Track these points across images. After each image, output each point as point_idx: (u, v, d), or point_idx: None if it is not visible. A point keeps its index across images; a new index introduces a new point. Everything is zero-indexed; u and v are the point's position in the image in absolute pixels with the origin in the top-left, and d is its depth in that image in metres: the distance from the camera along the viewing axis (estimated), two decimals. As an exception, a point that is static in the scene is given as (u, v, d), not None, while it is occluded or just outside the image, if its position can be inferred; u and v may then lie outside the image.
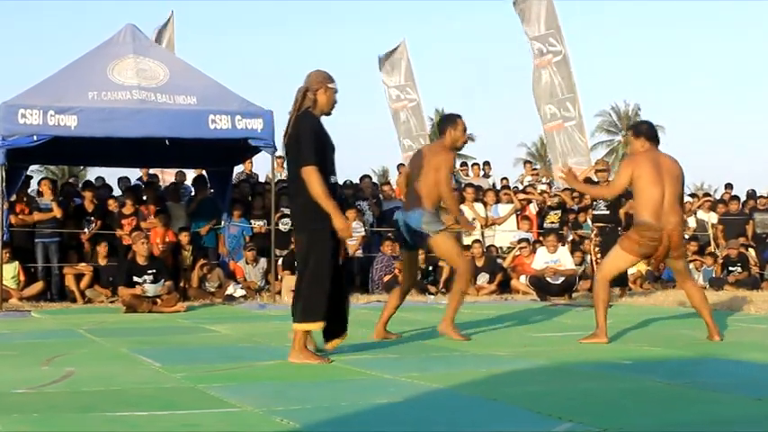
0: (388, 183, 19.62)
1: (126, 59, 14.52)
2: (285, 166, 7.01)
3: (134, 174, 19.37)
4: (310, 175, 6.79)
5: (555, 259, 15.15)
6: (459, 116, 8.92)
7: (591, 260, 15.45)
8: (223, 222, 16.43)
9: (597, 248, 15.09)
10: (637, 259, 8.84)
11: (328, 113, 7.17)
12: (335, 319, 7.12)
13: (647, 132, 8.45)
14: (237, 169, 18.42)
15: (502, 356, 7.45)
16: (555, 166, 22.02)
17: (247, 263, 15.55)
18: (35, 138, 13.52)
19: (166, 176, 20.64)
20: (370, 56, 77.48)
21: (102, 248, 15.23)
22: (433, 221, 8.68)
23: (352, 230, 16.04)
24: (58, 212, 15.31)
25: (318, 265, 6.88)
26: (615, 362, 7.02)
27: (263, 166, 19.17)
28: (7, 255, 14.22)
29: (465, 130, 8.99)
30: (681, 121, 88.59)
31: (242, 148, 15.24)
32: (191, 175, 19.06)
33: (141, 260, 13.05)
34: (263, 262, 15.75)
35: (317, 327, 7.04)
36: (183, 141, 14.60)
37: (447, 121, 8.97)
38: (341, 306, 7.18)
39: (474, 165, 22.34)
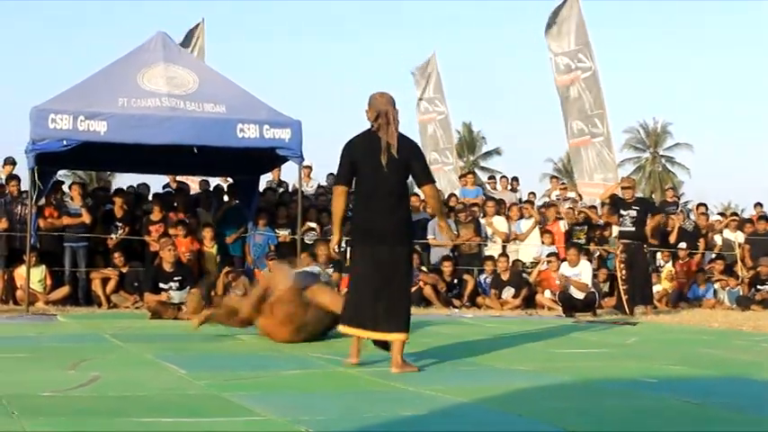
0: (415, 194, 19.58)
1: (156, 67, 14.61)
2: (364, 179, 7.17)
3: (159, 180, 19.43)
4: (436, 191, 7.45)
5: (576, 273, 15.10)
6: None
7: (617, 276, 15.40)
8: (249, 231, 16.47)
9: (623, 265, 15.04)
10: None
11: None
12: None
13: None
14: (265, 178, 18.46)
15: (526, 371, 7.44)
16: (580, 182, 21.94)
17: (270, 272, 15.57)
18: (65, 142, 13.62)
19: (197, 185, 20.69)
20: (398, 68, 77.78)
21: (118, 257, 15.27)
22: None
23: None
24: (86, 218, 15.39)
25: (411, 278, 7.45)
26: (640, 380, 6.98)
27: (290, 176, 19.29)
28: (35, 258, 14.31)
29: None
30: (709, 139, 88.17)
31: (269, 158, 15.28)
32: (213, 183, 19.16)
33: (167, 267, 13.10)
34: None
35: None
36: (211, 149, 14.65)
37: None
38: None
39: (502, 178, 22.29)
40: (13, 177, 16.28)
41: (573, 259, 15.26)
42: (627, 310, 14.80)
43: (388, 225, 7.31)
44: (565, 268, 15.37)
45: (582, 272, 15.10)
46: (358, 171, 7.35)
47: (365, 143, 7.38)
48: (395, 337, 7.26)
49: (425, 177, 7.48)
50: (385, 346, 7.49)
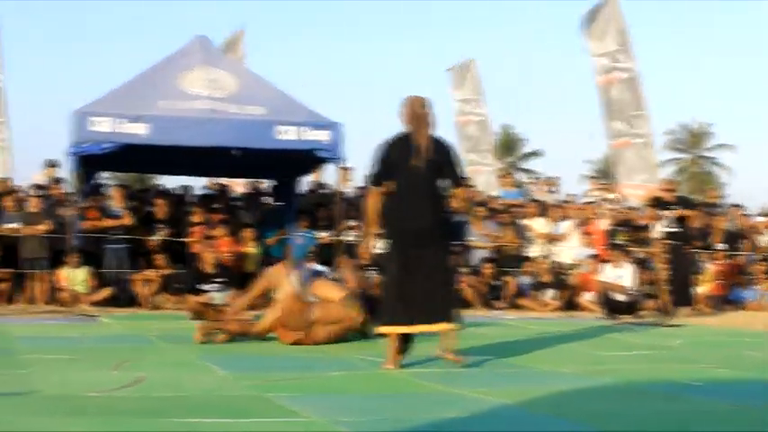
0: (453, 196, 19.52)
1: (196, 69, 14.66)
2: (409, 180, 7.31)
3: (198, 182, 19.50)
4: (467, 193, 7.90)
5: (618, 275, 14.99)
6: None
7: (659, 278, 15.27)
8: (289, 232, 16.49)
9: (665, 266, 14.92)
10: None
11: None
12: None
13: None
14: (306, 179, 18.48)
15: (568, 374, 7.40)
16: (621, 183, 21.81)
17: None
18: (105, 145, 13.70)
19: (237, 187, 20.76)
20: (436, 69, 77.53)
21: (160, 259, 15.36)
22: None
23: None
24: (128, 219, 15.48)
25: (453, 273, 7.86)
26: (684, 383, 6.93)
27: (332, 177, 19.37)
28: (77, 260, 14.42)
29: None
30: (752, 140, 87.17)
31: (310, 159, 15.31)
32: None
33: (209, 268, 13.15)
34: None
35: None
36: (251, 151, 14.69)
37: None
38: None
39: (541, 178, 22.20)
40: (58, 180, 16.43)
41: (615, 261, 15.15)
42: (669, 311, 14.68)
43: (423, 225, 7.44)
44: (607, 270, 15.26)
45: (624, 274, 14.99)
46: (393, 172, 7.48)
47: (400, 145, 7.52)
48: (447, 327, 7.48)
49: (456, 179, 7.68)
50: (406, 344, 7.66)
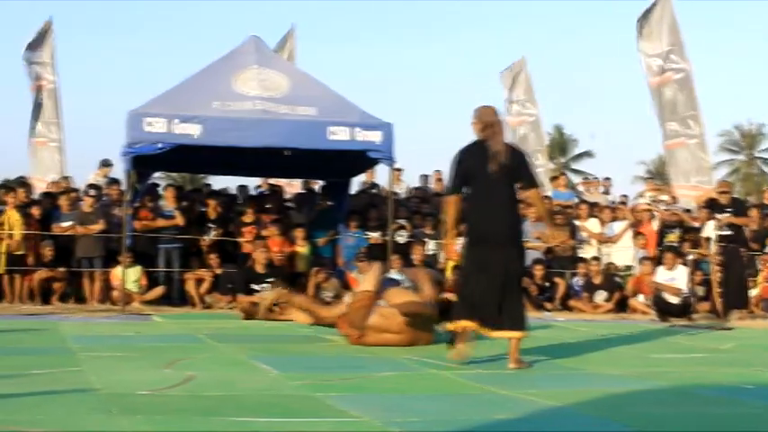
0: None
1: (249, 70, 14.74)
2: (476, 184, 7.77)
3: (250, 182, 19.58)
4: (541, 196, 8.40)
5: (672, 277, 14.85)
6: None
7: (713, 280, 15.12)
8: (340, 233, 16.54)
9: (718, 268, 14.78)
10: None
11: None
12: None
13: None
14: (357, 180, 18.53)
15: (620, 376, 7.35)
16: (676, 184, 21.61)
17: (360, 273, 15.55)
18: (160, 145, 13.83)
19: (289, 187, 20.85)
20: (489, 70, 77.30)
21: (212, 258, 15.45)
22: None
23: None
24: (180, 220, 15.61)
25: (522, 278, 8.13)
26: (737, 386, 6.86)
27: (382, 178, 19.34)
28: (130, 259, 14.56)
29: None
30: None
31: (361, 160, 15.34)
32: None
33: (260, 268, 13.22)
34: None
35: None
36: (303, 152, 14.74)
37: None
38: None
39: (594, 179, 22.03)
40: (113, 181, 16.59)
41: (669, 263, 15.01)
42: (722, 314, 14.54)
43: (499, 229, 7.74)
44: (661, 272, 15.13)
45: (677, 276, 14.85)
46: (470, 179, 7.80)
47: (476, 152, 7.84)
48: (516, 335, 7.70)
49: (531, 183, 7.96)
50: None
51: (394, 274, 9.54)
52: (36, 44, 22.55)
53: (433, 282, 9.87)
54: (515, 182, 7.84)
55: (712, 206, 15.41)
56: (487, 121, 7.88)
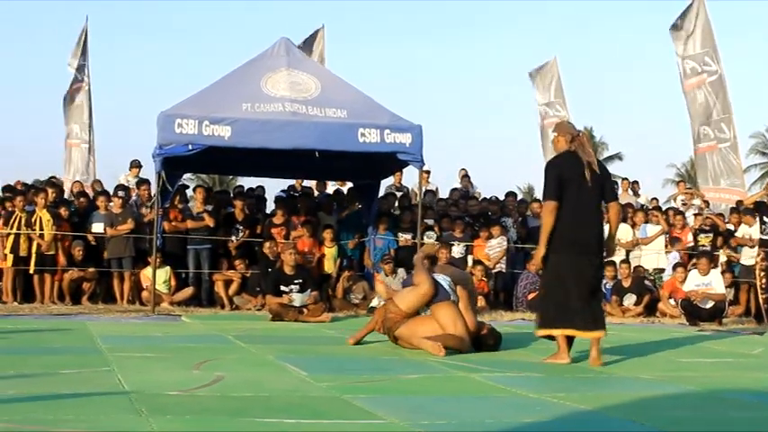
0: (538, 200, 19.43)
1: (279, 72, 14.78)
2: (579, 195, 8.16)
3: (277, 184, 19.61)
4: (620, 210, 8.93)
5: (706, 282, 14.76)
6: None
7: (757, 285, 15.03)
8: (369, 234, 16.54)
9: (763, 273, 14.69)
10: None
11: None
12: None
13: None
14: (385, 182, 18.53)
15: (649, 380, 7.31)
16: (705, 187, 21.51)
17: (386, 275, 15.55)
18: (190, 147, 13.88)
19: (318, 188, 20.88)
20: (517, 71, 77.28)
21: (239, 263, 15.49)
22: None
23: (495, 245, 16.14)
24: (209, 221, 15.66)
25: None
26: (764, 391, 6.82)
27: (408, 180, 19.33)
28: (160, 260, 14.63)
29: None
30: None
31: (390, 162, 15.33)
32: (333, 187, 19.32)
33: (289, 270, 13.23)
34: (401, 273, 15.64)
35: None
36: (333, 154, 14.76)
37: None
38: None
39: (624, 180, 21.96)
40: (144, 182, 16.67)
41: (704, 268, 14.91)
42: (765, 318, 14.48)
43: (591, 236, 8.22)
44: (694, 277, 15.03)
45: (713, 281, 14.76)
46: (566, 187, 8.11)
47: (570, 162, 8.20)
48: (601, 334, 8.19)
49: (614, 196, 8.59)
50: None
51: (442, 278, 9.36)
52: (75, 47, 22.84)
53: (471, 290, 9.86)
54: (602, 192, 8.30)
55: (759, 209, 15.29)
56: (573, 133, 8.33)
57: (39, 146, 72.14)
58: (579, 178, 8.09)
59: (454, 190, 19.67)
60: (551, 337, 8.33)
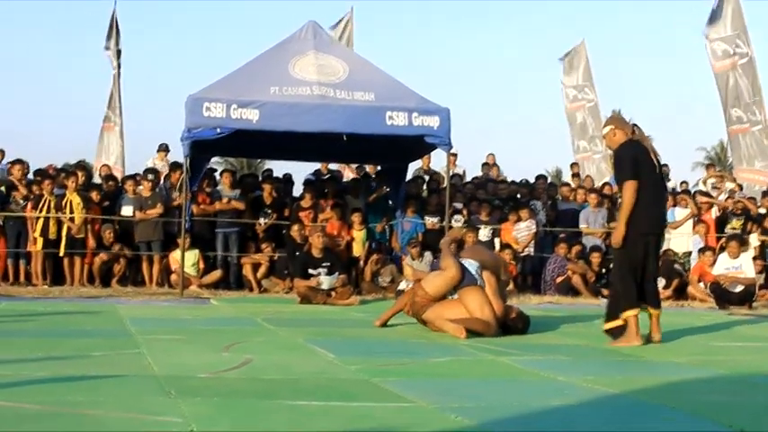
0: (567, 184, 19.35)
1: (307, 56, 14.76)
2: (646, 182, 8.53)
3: (304, 167, 19.60)
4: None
5: (736, 265, 14.66)
6: None
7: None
8: (397, 218, 16.53)
9: None
10: None
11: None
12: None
13: None
14: (413, 165, 18.49)
15: (680, 364, 7.27)
16: (739, 168, 21.35)
17: (413, 259, 15.53)
18: (218, 130, 13.89)
19: (348, 172, 20.89)
20: (545, 54, 76.86)
21: (266, 246, 15.51)
22: None
23: (524, 229, 16.09)
24: (238, 204, 15.69)
25: None
26: (800, 375, 6.77)
27: (436, 164, 19.29)
28: (188, 243, 14.67)
29: None
30: None
31: (417, 145, 15.30)
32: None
33: (317, 253, 13.25)
34: (428, 256, 15.62)
35: None
36: (360, 137, 14.74)
37: None
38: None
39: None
40: (170, 165, 16.71)
41: (734, 252, 14.81)
42: None
43: (662, 219, 9.03)
44: (724, 260, 14.93)
45: (743, 264, 14.66)
46: (641, 172, 8.44)
47: (639, 147, 8.59)
48: (660, 312, 8.68)
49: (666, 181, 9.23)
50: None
51: (468, 263, 9.31)
52: (109, 31, 22.97)
53: (503, 269, 9.80)
54: (662, 177, 8.94)
55: None
56: (629, 124, 8.85)
57: (71, 130, 72.38)
58: (649, 162, 8.49)
59: (475, 177, 19.64)
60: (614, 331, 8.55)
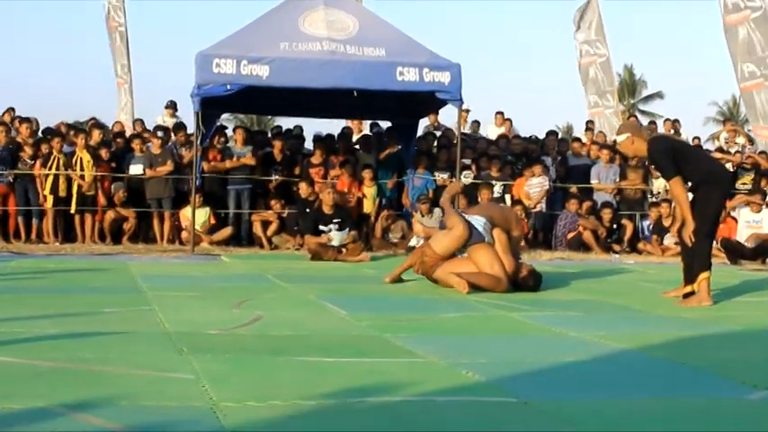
0: (578, 139, 19.26)
1: (317, 11, 14.66)
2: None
3: (315, 124, 19.58)
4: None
5: (757, 219, 14.60)
6: None
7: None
8: (407, 174, 16.48)
9: None
10: None
11: None
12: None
13: None
14: (423, 122, 18.42)
15: (690, 319, 7.25)
16: (754, 125, 21.18)
17: (422, 215, 15.47)
18: (228, 87, 13.85)
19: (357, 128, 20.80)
20: (555, 10, 76.18)
21: (275, 203, 15.48)
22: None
23: (536, 184, 16.05)
24: (250, 160, 15.65)
25: None
26: (812, 330, 6.76)
27: (445, 119, 19.21)
28: (199, 200, 14.65)
29: None
30: None
31: (428, 101, 15.24)
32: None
33: (327, 209, 13.23)
34: (437, 212, 15.54)
35: None
36: (371, 93, 14.68)
37: None
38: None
39: (666, 121, 21.70)
40: (181, 126, 16.63)
41: (756, 207, 14.77)
42: None
43: (728, 173, 9.52)
44: (745, 214, 14.87)
45: (763, 218, 14.61)
46: (677, 150, 8.47)
47: (663, 138, 9.46)
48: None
49: None
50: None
51: (476, 219, 9.25)
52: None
53: (515, 224, 9.69)
54: None
55: None
56: (644, 128, 9.20)
57: (85, 86, 72.29)
58: (680, 140, 9.24)
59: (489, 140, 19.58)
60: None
